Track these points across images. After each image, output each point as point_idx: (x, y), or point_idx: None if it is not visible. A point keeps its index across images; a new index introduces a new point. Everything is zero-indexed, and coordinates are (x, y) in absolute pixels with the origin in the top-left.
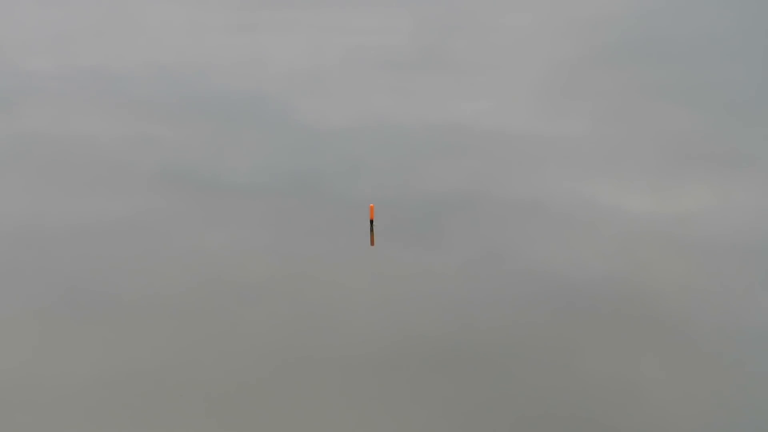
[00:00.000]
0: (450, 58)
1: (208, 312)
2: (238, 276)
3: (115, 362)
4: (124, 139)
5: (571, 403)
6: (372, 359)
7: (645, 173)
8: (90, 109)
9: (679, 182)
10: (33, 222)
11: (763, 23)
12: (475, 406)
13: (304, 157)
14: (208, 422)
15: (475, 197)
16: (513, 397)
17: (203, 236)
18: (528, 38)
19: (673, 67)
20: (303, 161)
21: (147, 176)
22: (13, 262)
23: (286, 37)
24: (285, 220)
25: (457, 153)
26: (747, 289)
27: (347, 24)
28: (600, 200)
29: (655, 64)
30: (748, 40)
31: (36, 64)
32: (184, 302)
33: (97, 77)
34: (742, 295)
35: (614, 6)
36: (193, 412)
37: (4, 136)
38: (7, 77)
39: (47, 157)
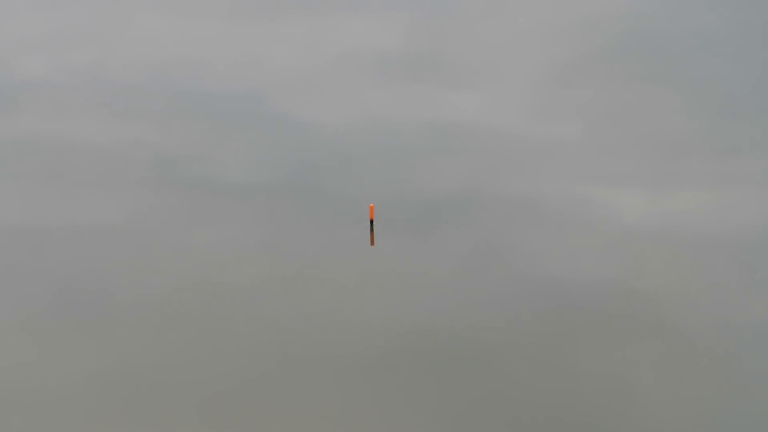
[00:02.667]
0: (445, 57)
1: (203, 312)
2: (233, 276)
3: (109, 362)
4: (118, 139)
5: (565, 403)
6: (369, 359)
7: (641, 172)
8: (83, 108)
9: (674, 182)
10: (26, 222)
11: (760, 23)
12: (471, 405)
13: (300, 157)
14: (202, 422)
15: (470, 196)
16: (508, 396)
17: (199, 236)
18: (523, 37)
19: (670, 66)
20: (298, 161)
21: (141, 176)
22: (6, 263)
23: (281, 37)
24: (281, 220)
25: (454, 152)
26: (743, 289)
27: (343, 23)
28: (595, 199)
29: (652, 63)
30: (744, 39)
31: (29, 64)
32: (178, 302)
33: (90, 77)
34: (738, 294)
35: (610, 6)
36: (187, 412)
37: None
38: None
39: (41, 157)
